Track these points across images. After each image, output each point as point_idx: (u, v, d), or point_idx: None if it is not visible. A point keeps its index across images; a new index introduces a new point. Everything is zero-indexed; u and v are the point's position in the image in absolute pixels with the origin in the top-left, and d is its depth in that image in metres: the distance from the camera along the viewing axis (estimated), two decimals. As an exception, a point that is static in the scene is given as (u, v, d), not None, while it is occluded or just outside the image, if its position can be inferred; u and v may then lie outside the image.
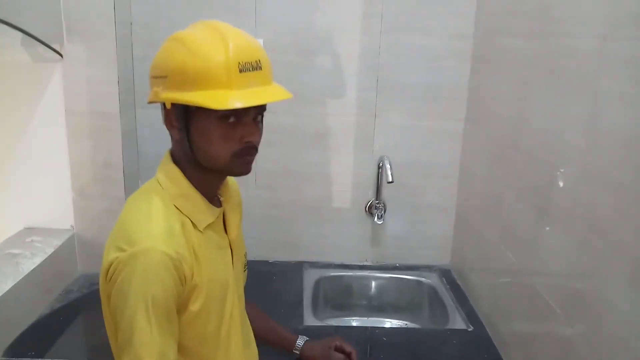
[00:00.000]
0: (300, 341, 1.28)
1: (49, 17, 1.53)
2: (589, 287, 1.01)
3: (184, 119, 0.87)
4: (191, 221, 0.91)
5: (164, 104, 0.89)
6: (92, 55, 1.61)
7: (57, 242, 1.64)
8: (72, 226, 1.74)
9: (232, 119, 0.86)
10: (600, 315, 0.96)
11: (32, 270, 1.46)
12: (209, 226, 0.94)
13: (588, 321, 1.01)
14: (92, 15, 1.58)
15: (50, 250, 1.59)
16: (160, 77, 0.87)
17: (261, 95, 0.86)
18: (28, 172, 1.67)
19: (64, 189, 1.71)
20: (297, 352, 1.26)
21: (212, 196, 0.98)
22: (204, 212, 0.94)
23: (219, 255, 0.97)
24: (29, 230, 1.71)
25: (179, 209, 0.91)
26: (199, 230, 0.92)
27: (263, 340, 1.20)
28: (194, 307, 0.89)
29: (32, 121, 1.63)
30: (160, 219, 0.87)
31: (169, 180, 0.93)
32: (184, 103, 0.84)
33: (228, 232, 1.01)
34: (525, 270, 1.31)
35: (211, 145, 0.87)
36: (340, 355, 1.26)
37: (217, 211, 0.97)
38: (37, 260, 1.51)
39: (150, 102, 0.91)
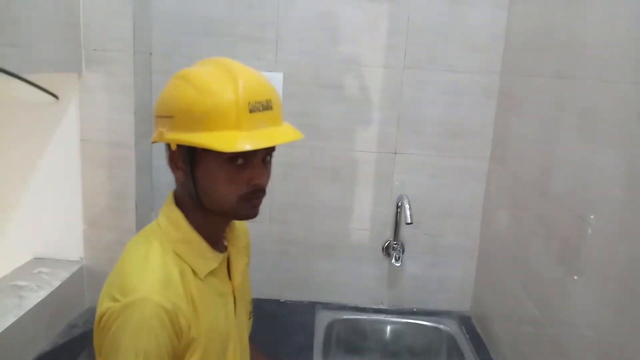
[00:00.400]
0: None
1: (69, 45, 1.52)
2: (623, 357, 0.91)
3: (190, 161, 0.84)
4: (192, 268, 0.86)
5: (169, 145, 0.85)
6: (110, 85, 1.60)
7: (65, 275, 1.60)
8: (81, 258, 1.70)
9: (240, 161, 0.83)
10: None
11: (36, 304, 1.42)
12: (211, 273, 0.89)
13: (624, 394, 0.91)
14: (111, 44, 1.57)
15: (57, 283, 1.55)
16: (166, 117, 0.84)
17: (271, 137, 0.82)
18: (41, 201, 1.64)
19: (75, 219, 1.68)
20: None
21: (217, 240, 0.93)
22: (206, 258, 0.89)
23: (220, 303, 0.92)
24: (38, 261, 1.67)
25: (179, 256, 0.86)
26: (200, 278, 0.87)
27: None
28: None
29: (47, 150, 1.62)
30: (157, 266, 0.82)
31: (170, 224, 0.88)
32: (190, 145, 0.80)
33: (232, 278, 0.96)
34: (551, 326, 1.21)
35: (218, 188, 0.83)
36: None
37: (220, 257, 0.92)
38: (42, 294, 1.47)
39: (154, 142, 0.87)
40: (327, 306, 1.82)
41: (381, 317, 1.80)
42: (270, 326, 1.67)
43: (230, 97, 0.79)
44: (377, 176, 1.77)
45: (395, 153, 1.76)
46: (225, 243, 0.97)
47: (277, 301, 1.83)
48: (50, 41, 1.41)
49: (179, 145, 0.83)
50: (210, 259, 0.90)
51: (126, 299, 0.78)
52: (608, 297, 0.97)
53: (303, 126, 0.92)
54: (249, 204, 0.86)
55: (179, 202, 0.90)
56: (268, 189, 0.89)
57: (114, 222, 1.68)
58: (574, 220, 1.12)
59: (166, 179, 0.96)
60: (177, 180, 0.90)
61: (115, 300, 0.78)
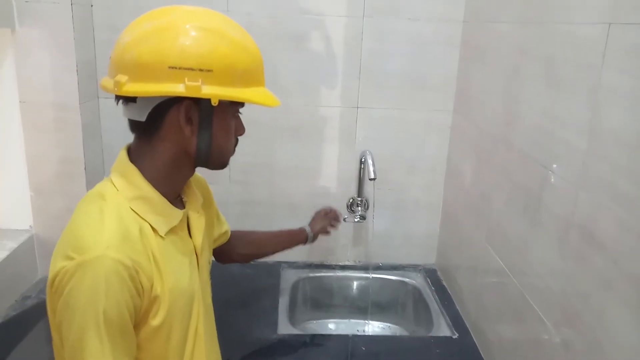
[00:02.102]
0: (307, 229, 1.43)
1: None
2: (586, 307, 0.91)
3: (210, 115, 0.81)
4: (151, 226, 0.82)
5: (178, 98, 0.79)
6: (46, 40, 1.48)
7: (12, 245, 1.53)
8: (30, 226, 1.62)
9: (237, 114, 0.89)
10: (598, 341, 0.86)
11: (-19, 277, 1.35)
12: (171, 230, 0.85)
13: (583, 342, 0.91)
14: (45, -5, 1.44)
15: (4, 254, 1.47)
16: (200, 70, 0.77)
17: (271, 94, 0.87)
18: (-20, 169, 1.54)
19: (21, 187, 1.58)
20: (312, 238, 1.43)
21: (174, 198, 0.89)
22: (166, 215, 0.85)
23: (184, 262, 0.88)
24: (-17, 231, 1.58)
25: (136, 213, 0.81)
26: (160, 236, 0.83)
27: (278, 251, 1.37)
28: (155, 321, 0.80)
29: (-19, 113, 1.50)
30: (113, 223, 0.77)
31: (126, 181, 0.83)
32: (238, 100, 0.83)
33: (193, 236, 0.92)
34: (514, 276, 1.21)
35: (229, 140, 0.88)
36: (332, 214, 1.52)
37: (180, 213, 0.88)
38: (-11, 266, 1.39)
39: (177, 96, 0.78)
40: (292, 265, 1.80)
41: (347, 273, 1.79)
42: (235, 288, 1.64)
43: (259, 55, 0.85)
44: (339, 132, 1.72)
45: (358, 107, 1.70)
46: (184, 199, 0.93)
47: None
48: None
49: (195, 99, 0.79)
50: (170, 215, 0.86)
51: (81, 256, 0.73)
52: (569, 246, 0.97)
53: (262, 82, 0.87)
54: (233, 152, 0.91)
55: (133, 159, 0.85)
56: None
57: (63, 188, 1.60)
58: (538, 170, 1.10)
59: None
60: (166, 136, 0.83)
61: (69, 258, 0.73)
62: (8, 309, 1.47)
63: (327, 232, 1.50)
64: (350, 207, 1.77)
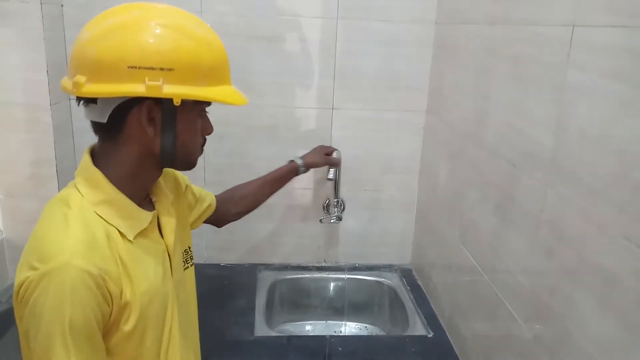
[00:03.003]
0: (298, 162, 1.43)
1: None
2: (555, 299, 0.93)
3: (173, 115, 0.80)
4: (118, 230, 0.80)
5: (139, 99, 0.77)
6: (16, 40, 1.45)
7: (-19, 249, 1.49)
8: (0, 230, 1.58)
9: (204, 114, 0.87)
10: (568, 332, 0.88)
11: (-53, 282, 1.31)
12: (140, 233, 0.83)
13: (554, 335, 0.93)
14: (13, -6, 1.41)
15: (-28, 258, 1.44)
16: (161, 69, 0.75)
17: (239, 92, 0.85)
18: (-54, 171, 1.50)
19: (-10, 189, 1.55)
20: (304, 170, 1.43)
21: (142, 199, 0.88)
22: (133, 219, 0.83)
23: (156, 264, 0.86)
24: (-50, 236, 1.54)
25: (102, 218, 0.79)
26: (129, 240, 0.81)
27: (273, 192, 1.38)
28: (127, 326, 0.79)
29: (-52, 114, 1.46)
30: (78, 229, 0.75)
31: (89, 186, 0.81)
32: (201, 99, 0.81)
33: (164, 236, 0.91)
34: (486, 273, 1.23)
35: (195, 139, 0.86)
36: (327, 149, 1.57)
37: (149, 215, 0.86)
38: (-45, 270, 1.36)
39: (134, 96, 0.76)
40: (269, 267, 1.79)
41: (324, 274, 1.80)
42: (212, 290, 1.62)
43: (223, 53, 0.83)
44: (315, 133, 1.72)
45: (333, 108, 1.71)
46: (153, 199, 0.91)
47: (218, 265, 1.78)
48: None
49: (156, 99, 0.77)
50: (137, 218, 0.84)
51: (45, 266, 0.71)
52: (538, 241, 0.99)
53: (236, 82, 0.86)
54: (201, 152, 0.89)
55: (97, 161, 0.83)
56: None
57: (34, 191, 1.56)
58: (507, 167, 1.12)
59: (90, 142, 0.87)
60: (130, 138, 0.81)
61: (33, 268, 0.72)
62: (-24, 314, 1.43)
63: (319, 165, 1.53)
64: (327, 208, 1.77)
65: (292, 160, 1.44)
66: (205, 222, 1.19)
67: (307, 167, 1.45)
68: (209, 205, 1.17)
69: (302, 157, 1.46)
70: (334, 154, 1.59)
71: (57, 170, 1.55)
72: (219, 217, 1.23)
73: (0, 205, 1.57)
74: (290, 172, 1.41)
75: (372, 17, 1.63)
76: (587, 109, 0.85)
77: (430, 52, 1.67)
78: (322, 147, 1.59)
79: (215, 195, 1.22)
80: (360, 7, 1.62)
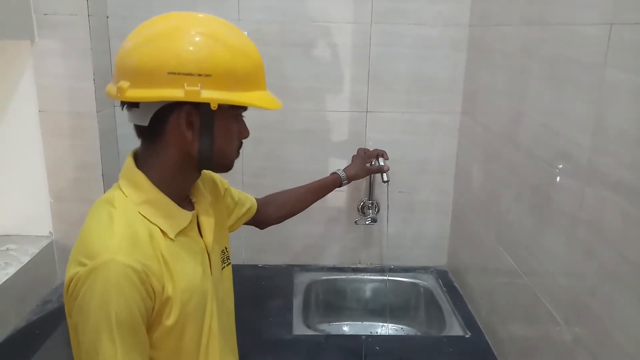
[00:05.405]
0: (341, 174, 1.44)
1: (18, 10, 1.43)
2: (595, 300, 0.92)
3: (207, 119, 0.83)
4: (160, 229, 0.84)
5: (179, 103, 0.80)
6: (65, 51, 1.52)
7: (34, 250, 1.57)
8: (50, 232, 1.66)
9: (240, 118, 0.89)
10: (608, 333, 0.88)
11: (4, 282, 1.39)
12: (181, 232, 0.87)
13: (594, 336, 0.93)
14: (63, 7, 1.49)
15: (26, 259, 1.51)
16: (199, 75, 0.79)
17: (274, 97, 0.88)
18: (2, 177, 1.58)
19: (41, 193, 1.63)
20: (346, 183, 1.45)
21: (183, 199, 0.92)
22: (174, 218, 0.87)
23: (195, 262, 0.90)
24: (5, 238, 1.63)
25: (145, 217, 0.83)
26: (170, 238, 0.85)
27: (315, 201, 1.39)
28: (169, 321, 0.83)
29: (3, 123, 1.55)
30: (122, 228, 0.80)
31: (132, 187, 0.85)
32: (239, 104, 0.83)
33: (203, 235, 0.94)
34: (524, 274, 1.23)
35: (232, 143, 0.89)
36: (377, 155, 1.56)
37: (189, 215, 0.90)
38: (11, 271, 1.43)
39: (175, 101, 0.80)
40: (305, 268, 1.82)
41: (359, 276, 1.81)
42: (249, 291, 1.66)
43: (259, 59, 0.86)
44: (349, 136, 1.75)
45: (367, 112, 1.73)
46: (193, 200, 0.95)
47: (255, 266, 1.83)
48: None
49: (195, 104, 0.80)
50: (178, 217, 0.88)
51: (92, 262, 0.75)
52: (577, 242, 0.98)
53: (271, 88, 0.89)
54: (237, 155, 0.92)
55: (140, 164, 0.87)
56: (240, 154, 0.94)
57: (81, 194, 1.64)
58: (544, 168, 1.12)
59: (133, 147, 0.91)
60: (170, 142, 0.84)
61: (81, 264, 0.76)
62: (30, 313, 1.51)
63: (361, 177, 1.52)
64: (362, 209, 1.79)
65: (335, 172, 1.45)
66: (247, 223, 1.23)
67: (349, 180, 1.46)
68: (249, 209, 1.20)
69: (344, 170, 1.46)
70: (380, 161, 1.56)
71: (102, 174, 1.62)
72: (261, 220, 1.27)
73: (50, 208, 1.65)
74: (334, 183, 1.43)
75: (406, 21, 1.65)
76: (626, 108, 0.85)
77: (464, 54, 1.67)
78: (362, 153, 1.57)
79: (256, 199, 1.25)
80: (393, 11, 1.64)
